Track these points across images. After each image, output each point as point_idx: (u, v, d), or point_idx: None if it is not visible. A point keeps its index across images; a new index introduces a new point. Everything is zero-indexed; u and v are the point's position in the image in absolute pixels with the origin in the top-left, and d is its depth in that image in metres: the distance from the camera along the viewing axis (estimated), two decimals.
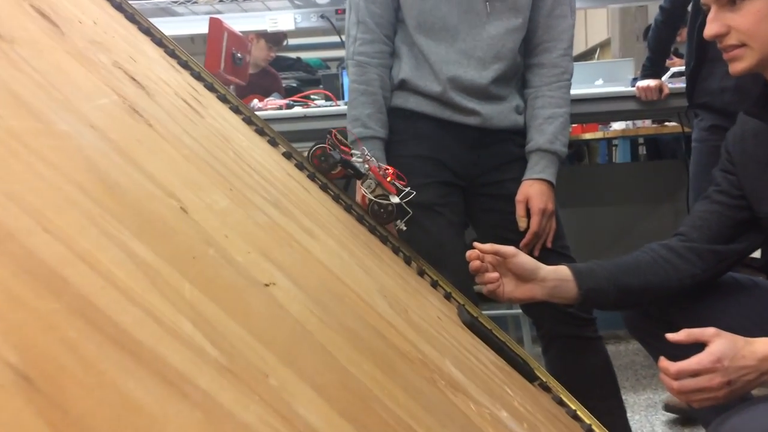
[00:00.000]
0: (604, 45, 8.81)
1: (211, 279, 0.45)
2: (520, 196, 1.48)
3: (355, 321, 0.64)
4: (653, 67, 2.51)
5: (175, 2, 3.76)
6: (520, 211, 1.47)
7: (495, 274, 1.18)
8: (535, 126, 1.51)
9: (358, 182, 1.34)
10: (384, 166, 1.37)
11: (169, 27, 3.68)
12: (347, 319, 0.63)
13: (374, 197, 1.30)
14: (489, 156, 1.55)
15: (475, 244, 1.19)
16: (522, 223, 1.48)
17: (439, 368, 0.74)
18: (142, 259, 0.39)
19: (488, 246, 1.18)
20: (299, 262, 0.67)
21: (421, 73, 1.50)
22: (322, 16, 3.61)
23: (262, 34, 3.73)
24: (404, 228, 1.34)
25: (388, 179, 1.31)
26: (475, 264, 1.18)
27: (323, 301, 0.61)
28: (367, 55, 1.50)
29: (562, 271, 1.19)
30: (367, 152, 1.32)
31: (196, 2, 3.80)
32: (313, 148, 1.32)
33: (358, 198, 1.43)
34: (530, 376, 1.15)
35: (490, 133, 1.52)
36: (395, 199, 1.30)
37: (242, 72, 3.13)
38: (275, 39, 3.79)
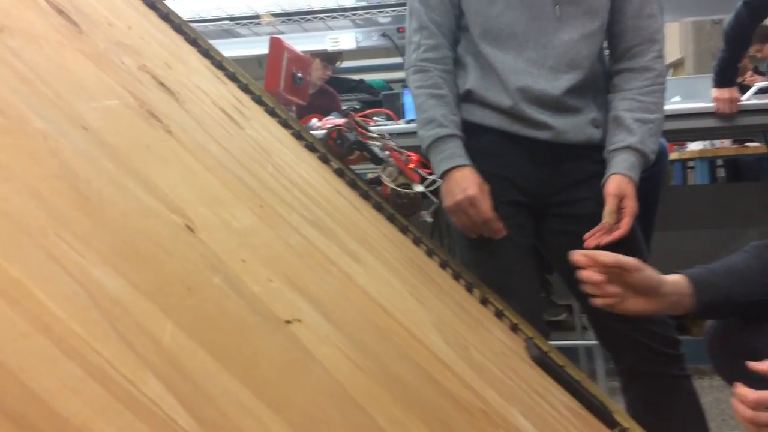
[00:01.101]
0: (678, 65, 8.49)
1: (207, 317, 0.35)
2: (614, 189, 1.30)
3: (401, 364, 0.53)
4: (728, 72, 2.33)
5: (238, 24, 3.77)
6: (611, 204, 1.30)
7: (617, 289, 1.05)
8: (624, 126, 1.36)
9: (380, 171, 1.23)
10: (407, 152, 1.25)
11: (232, 48, 3.69)
12: (391, 361, 0.52)
13: (396, 186, 1.19)
14: (562, 173, 1.41)
15: (593, 253, 1.05)
16: (611, 219, 1.30)
17: (504, 420, 0.62)
18: (105, 291, 0.29)
19: (611, 257, 1.04)
20: (336, 291, 0.56)
21: (488, 84, 1.39)
22: (383, 35, 3.55)
23: (317, 54, 3.69)
24: (430, 220, 1.21)
25: (411, 166, 1.20)
26: (596, 277, 1.04)
27: (362, 340, 0.50)
28: (432, 61, 1.40)
29: (682, 284, 1.05)
30: (388, 137, 1.21)
31: (258, 23, 3.80)
32: (330, 130, 1.22)
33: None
34: (609, 421, 1.00)
35: (563, 149, 1.38)
36: (419, 188, 1.18)
37: (302, 92, 3.08)
38: (330, 58, 3.74)
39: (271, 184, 0.73)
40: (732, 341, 1.16)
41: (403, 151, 1.24)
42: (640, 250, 1.35)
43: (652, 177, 1.46)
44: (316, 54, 3.66)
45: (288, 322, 0.42)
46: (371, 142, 1.23)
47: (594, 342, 2.22)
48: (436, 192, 1.20)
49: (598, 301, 1.06)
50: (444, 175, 1.33)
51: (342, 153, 1.21)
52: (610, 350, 1.46)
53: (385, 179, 1.19)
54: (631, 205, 1.29)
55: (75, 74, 0.53)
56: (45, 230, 0.30)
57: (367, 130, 1.27)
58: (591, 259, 1.05)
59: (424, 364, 0.57)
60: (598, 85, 1.43)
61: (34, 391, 0.21)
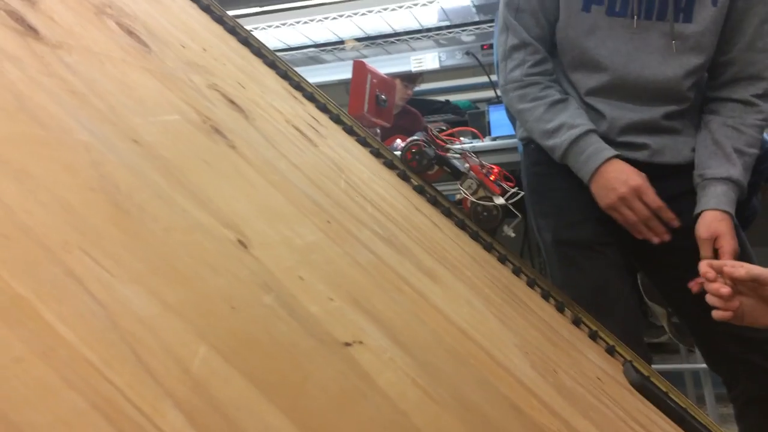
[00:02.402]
0: None
1: (251, 340, 0.32)
2: (705, 232, 1.21)
3: (478, 391, 0.48)
4: None
5: (323, 50, 3.83)
6: (705, 251, 1.20)
7: (736, 303, 0.97)
8: (725, 153, 1.26)
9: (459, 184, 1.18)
10: (488, 165, 1.19)
11: (318, 74, 3.75)
12: (467, 389, 0.47)
13: (476, 199, 1.13)
14: (660, 189, 1.32)
15: (725, 268, 0.98)
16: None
17: None
18: (130, 310, 0.26)
19: (742, 272, 0.96)
20: (407, 311, 0.52)
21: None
22: (467, 53, 3.51)
23: (397, 75, 3.68)
24: (513, 234, 1.15)
25: (492, 178, 1.14)
26: (725, 290, 0.97)
27: (434, 365, 0.46)
28: (539, 74, 1.34)
29: None
30: (468, 149, 1.16)
31: (342, 48, 3.85)
32: (408, 146, 1.18)
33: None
34: None
35: (659, 168, 1.30)
36: (500, 200, 1.12)
37: (387, 114, 3.08)
38: (411, 77, 3.72)
39: (343, 200, 0.70)
40: None
41: (484, 163, 1.20)
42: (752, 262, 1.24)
43: (751, 178, 1.35)
44: (396, 75, 3.66)
45: (347, 344, 0.39)
46: (451, 155, 1.19)
47: (701, 365, 2.07)
48: (518, 205, 1.15)
49: (719, 314, 0.98)
50: (595, 173, 1.26)
51: (421, 168, 1.18)
52: (720, 373, 1.35)
53: (465, 192, 1.15)
54: (727, 244, 1.19)
55: (135, 90, 0.52)
56: (68, 245, 0.27)
57: (446, 143, 1.23)
58: (720, 271, 0.98)
59: (505, 390, 0.52)
60: (694, 109, 1.35)
61: (18, 426, 0.18)
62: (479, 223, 1.15)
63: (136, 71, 0.57)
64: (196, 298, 0.31)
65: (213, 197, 0.43)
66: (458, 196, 1.29)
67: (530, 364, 0.65)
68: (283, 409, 0.28)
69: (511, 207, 1.13)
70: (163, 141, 0.46)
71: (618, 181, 1.22)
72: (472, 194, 1.14)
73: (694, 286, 1.06)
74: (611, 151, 1.25)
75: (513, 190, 1.15)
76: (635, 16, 1.24)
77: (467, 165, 1.17)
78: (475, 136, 2.78)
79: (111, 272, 0.28)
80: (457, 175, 1.18)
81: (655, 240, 1.25)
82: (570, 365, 0.78)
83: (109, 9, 0.68)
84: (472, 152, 1.23)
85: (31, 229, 0.26)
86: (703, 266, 1.01)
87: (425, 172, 1.18)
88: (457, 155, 1.18)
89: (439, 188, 1.23)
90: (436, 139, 1.20)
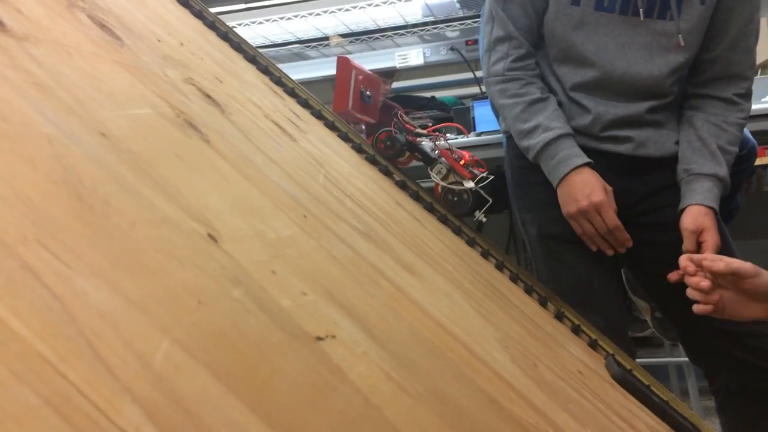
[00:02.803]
0: (766, 66, 8.05)
1: (217, 334, 0.31)
2: (691, 225, 1.22)
3: (455, 385, 0.48)
4: None
5: (308, 46, 3.82)
6: (689, 243, 1.21)
7: (716, 296, 0.97)
8: (709, 150, 1.26)
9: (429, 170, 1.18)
10: (459, 150, 1.19)
11: (302, 71, 3.73)
12: (444, 382, 0.46)
13: (447, 184, 1.13)
14: (643, 182, 1.33)
15: (705, 262, 0.98)
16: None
17: None
18: (89, 304, 0.26)
19: (721, 265, 0.96)
20: (384, 305, 0.51)
21: (565, 105, 1.32)
22: (452, 49, 3.51)
23: (377, 71, 3.63)
24: (484, 219, 1.15)
25: (462, 163, 1.14)
26: (705, 283, 0.97)
27: (410, 358, 0.45)
28: (522, 69, 1.33)
29: None
30: (439, 135, 1.16)
31: (327, 45, 3.84)
32: (379, 133, 1.18)
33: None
34: None
35: (643, 161, 1.31)
36: (469, 184, 1.12)
37: (372, 110, 3.08)
38: (388, 73, 3.68)
39: (321, 195, 0.70)
40: None
41: (455, 149, 1.19)
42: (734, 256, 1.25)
43: (735, 176, 1.36)
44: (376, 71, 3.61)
45: (320, 338, 0.38)
46: (421, 140, 1.19)
47: (685, 359, 2.08)
48: (489, 190, 1.14)
49: (700, 308, 0.99)
50: (562, 180, 1.26)
51: (392, 154, 1.17)
52: (701, 366, 1.35)
53: (434, 177, 1.15)
54: (711, 238, 1.20)
55: (105, 83, 0.51)
56: (26, 238, 0.26)
57: (414, 127, 1.23)
58: (700, 265, 0.98)
59: (483, 384, 0.52)
60: (676, 102, 1.35)
61: None
62: (450, 209, 1.15)
63: (107, 64, 0.56)
64: (161, 292, 0.31)
65: (183, 191, 0.43)
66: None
67: (510, 358, 0.65)
68: (249, 403, 0.28)
69: (481, 192, 1.12)
70: (133, 134, 0.45)
71: (582, 193, 1.23)
72: (443, 179, 1.14)
73: (673, 275, 1.06)
74: (582, 159, 1.25)
75: (483, 175, 1.15)
76: (624, 13, 1.24)
77: (438, 151, 1.17)
78: (460, 132, 2.78)
79: (70, 266, 0.27)
80: (427, 160, 1.18)
81: (609, 252, 1.26)
82: (551, 359, 0.78)
83: (81, 2, 0.67)
84: (443, 137, 1.23)
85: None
86: (684, 260, 1.01)
87: (396, 158, 1.18)
88: (428, 139, 1.18)
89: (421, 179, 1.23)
90: (406, 125, 1.20)
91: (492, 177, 1.14)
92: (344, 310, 0.45)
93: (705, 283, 0.96)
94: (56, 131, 0.37)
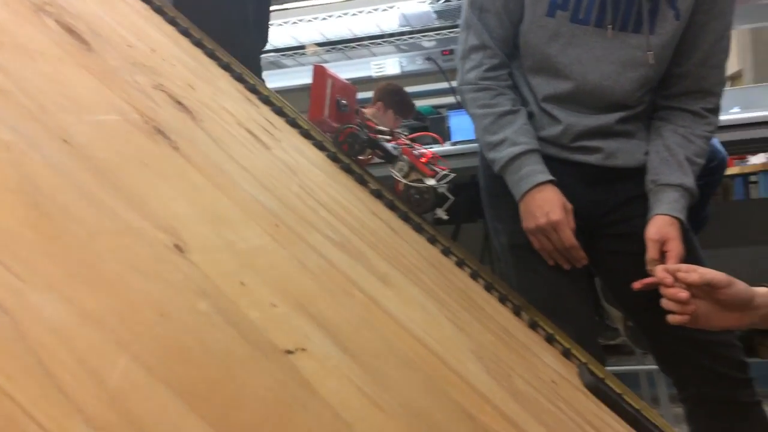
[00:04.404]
0: (735, 77, 8.18)
1: (181, 348, 0.30)
2: (655, 234, 1.22)
3: (429, 398, 0.47)
4: None
5: (284, 55, 3.80)
6: (652, 252, 1.22)
7: (693, 307, 0.98)
8: (677, 161, 1.27)
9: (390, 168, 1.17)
10: (421, 148, 1.19)
11: (279, 80, 3.71)
12: (417, 395, 0.45)
13: (409, 182, 1.13)
14: (613, 192, 1.34)
15: (679, 273, 0.98)
16: (653, 267, 1.23)
17: None
18: (41, 320, 0.24)
19: (695, 276, 0.97)
20: (357, 317, 0.50)
21: (537, 115, 1.33)
22: (428, 59, 3.52)
23: (391, 105, 3.48)
24: (446, 217, 1.15)
25: (423, 161, 1.13)
26: (683, 294, 0.97)
27: (383, 372, 0.44)
28: (494, 79, 1.33)
29: None
30: (400, 132, 1.16)
31: (303, 53, 3.82)
32: (340, 130, 1.17)
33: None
34: None
35: (612, 171, 1.31)
36: (431, 181, 1.12)
37: (348, 119, 3.07)
38: (404, 110, 3.51)
39: (294, 204, 0.69)
40: None
41: (416, 146, 1.19)
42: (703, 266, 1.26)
43: (706, 187, 1.38)
44: (389, 105, 3.50)
45: (289, 351, 0.37)
46: (382, 137, 1.18)
47: (656, 366, 2.10)
48: (452, 188, 1.14)
49: (676, 318, 0.99)
50: (524, 195, 1.27)
51: (353, 152, 1.16)
52: (671, 375, 1.36)
53: (395, 175, 1.14)
54: (675, 248, 1.21)
55: (70, 89, 0.49)
56: None
57: (375, 123, 1.23)
58: (667, 276, 0.99)
59: (457, 396, 0.51)
60: (646, 112, 1.36)
61: None
62: (411, 207, 1.14)
63: (73, 69, 0.55)
64: (120, 305, 0.29)
65: (148, 200, 0.41)
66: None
67: (485, 369, 0.64)
68: (213, 423, 0.27)
69: (444, 190, 1.12)
70: (97, 141, 0.44)
71: (541, 210, 1.24)
72: (404, 177, 1.14)
73: (637, 284, 1.07)
74: (545, 176, 1.26)
75: (444, 172, 1.14)
76: (599, 26, 1.25)
77: (399, 149, 1.17)
78: (435, 141, 2.79)
79: (21, 278, 0.26)
80: (389, 158, 1.17)
81: (566, 267, 1.28)
82: (525, 369, 0.77)
83: (48, 7, 0.65)
84: (403, 134, 1.23)
85: None
86: (660, 271, 1.01)
87: (358, 156, 1.17)
88: (389, 137, 1.18)
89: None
90: (367, 122, 1.19)
91: (453, 175, 1.14)
92: (316, 321, 0.44)
93: (683, 294, 0.96)
94: (15, 137, 0.35)
